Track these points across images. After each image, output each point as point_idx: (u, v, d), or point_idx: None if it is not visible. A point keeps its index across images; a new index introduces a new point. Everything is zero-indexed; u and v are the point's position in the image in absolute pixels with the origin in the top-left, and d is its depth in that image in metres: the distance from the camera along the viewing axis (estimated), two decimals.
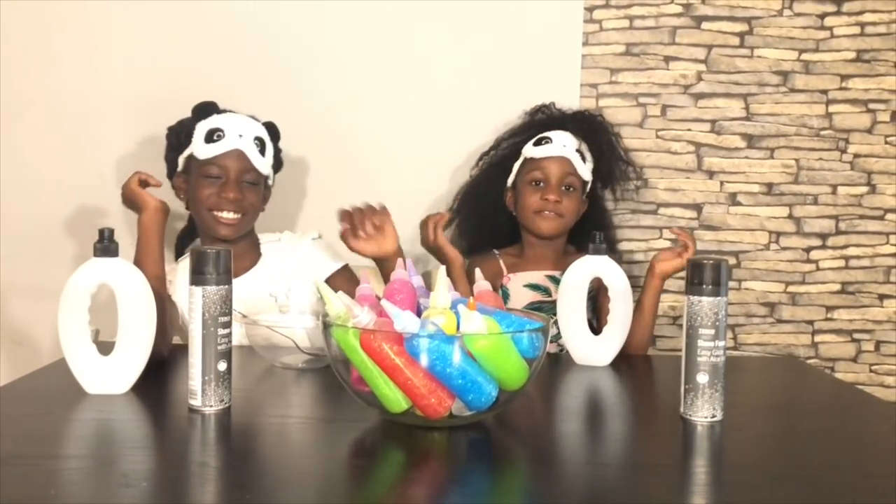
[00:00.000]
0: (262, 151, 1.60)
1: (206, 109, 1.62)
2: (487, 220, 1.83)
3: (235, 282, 1.57)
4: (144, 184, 1.47)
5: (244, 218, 1.58)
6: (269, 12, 1.94)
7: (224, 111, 1.64)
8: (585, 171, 1.73)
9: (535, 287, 1.72)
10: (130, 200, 1.47)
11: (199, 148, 1.57)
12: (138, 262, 1.37)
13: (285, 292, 1.59)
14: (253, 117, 1.65)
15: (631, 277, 1.90)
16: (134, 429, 1.09)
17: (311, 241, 1.67)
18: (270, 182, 1.68)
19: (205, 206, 1.57)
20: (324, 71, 1.95)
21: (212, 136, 1.56)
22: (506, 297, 1.72)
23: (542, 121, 1.85)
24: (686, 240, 1.55)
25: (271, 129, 1.66)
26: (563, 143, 1.72)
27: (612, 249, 1.84)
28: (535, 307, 1.68)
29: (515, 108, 1.92)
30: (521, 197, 1.74)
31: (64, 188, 1.94)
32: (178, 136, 1.64)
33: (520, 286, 1.72)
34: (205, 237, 1.63)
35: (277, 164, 1.70)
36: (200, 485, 0.89)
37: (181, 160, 1.63)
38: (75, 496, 0.84)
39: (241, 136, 1.57)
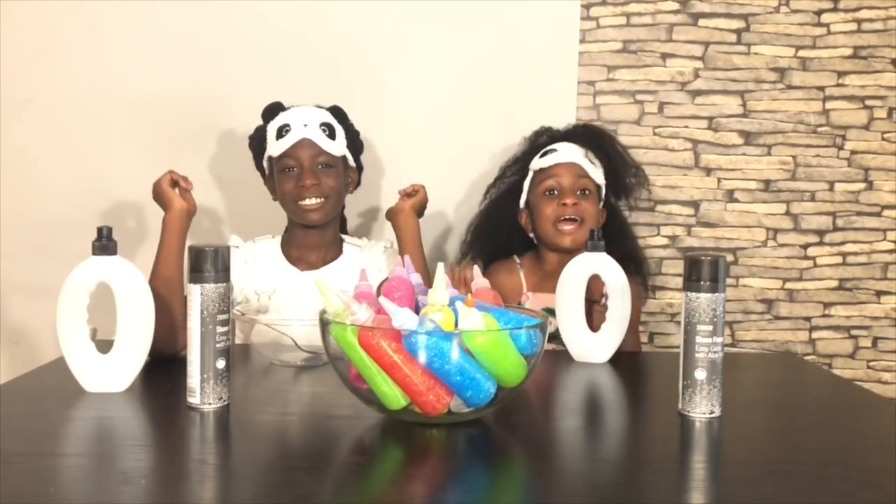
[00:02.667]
0: (332, 135, 1.64)
1: (273, 110, 1.67)
2: (501, 247, 1.78)
3: (313, 273, 1.63)
4: (175, 184, 1.51)
5: (328, 201, 1.63)
6: (267, 16, 1.93)
7: (289, 107, 1.67)
8: (598, 174, 1.71)
9: (552, 312, 1.67)
10: (159, 198, 1.50)
11: (272, 146, 1.64)
12: (159, 260, 1.44)
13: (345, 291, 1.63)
14: (318, 106, 1.68)
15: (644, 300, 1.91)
16: (133, 427, 1.09)
17: (383, 248, 1.71)
18: (352, 163, 1.72)
19: (289, 199, 1.63)
20: (320, 75, 1.94)
21: (281, 133, 1.62)
22: None
23: (545, 142, 1.80)
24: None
25: (337, 112, 1.69)
26: (569, 151, 1.71)
27: (636, 261, 1.78)
28: (552, 335, 1.61)
29: (514, 108, 1.92)
30: (538, 210, 1.70)
31: (62, 186, 1.94)
32: (259, 142, 1.69)
33: (538, 308, 1.68)
34: (294, 230, 1.68)
35: (356, 146, 1.73)
36: (199, 482, 0.89)
37: (265, 164, 1.69)
38: (74, 493, 0.85)
39: (305, 125, 1.62)
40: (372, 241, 1.75)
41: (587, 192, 1.69)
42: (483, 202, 1.88)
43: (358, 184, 1.76)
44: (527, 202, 1.76)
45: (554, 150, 1.72)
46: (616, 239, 1.69)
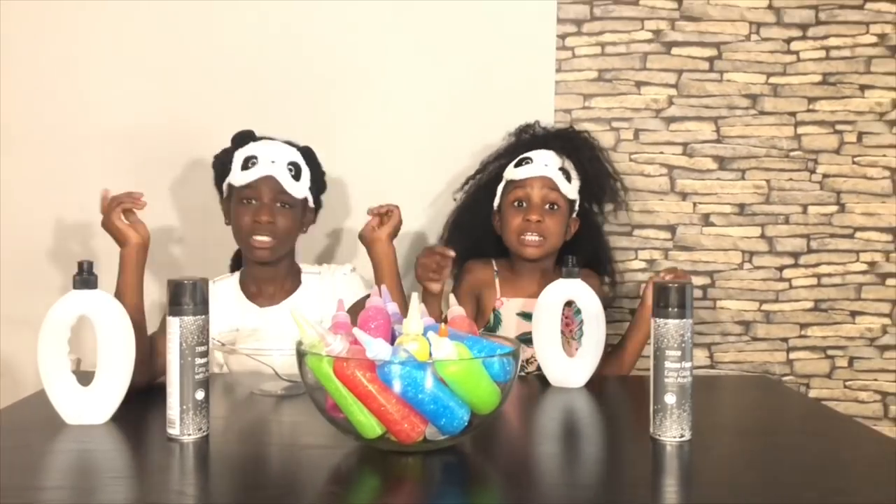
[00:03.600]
0: (297, 176, 1.64)
1: (243, 138, 1.67)
2: (477, 244, 1.82)
3: (273, 308, 1.63)
4: (129, 211, 1.47)
5: (278, 241, 1.62)
6: (247, 47, 1.96)
7: (261, 138, 1.68)
8: (570, 189, 1.72)
9: (527, 317, 1.70)
10: (111, 233, 1.47)
11: (235, 175, 1.63)
12: (118, 294, 1.40)
13: (318, 321, 1.61)
14: (290, 143, 1.69)
15: (611, 298, 1.95)
16: (113, 458, 1.10)
17: (343, 274, 1.71)
18: (312, 204, 1.71)
19: (242, 231, 1.62)
20: (299, 98, 1.97)
21: (247, 164, 1.62)
22: (497, 321, 1.72)
23: (527, 141, 1.84)
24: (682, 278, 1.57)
25: (307, 153, 1.70)
26: (544, 163, 1.71)
27: (605, 270, 1.86)
28: (526, 339, 1.58)
29: (492, 135, 1.94)
30: (505, 219, 1.73)
31: (46, 219, 1.95)
32: (222, 163, 1.69)
33: (512, 314, 1.72)
34: (249, 264, 1.68)
35: (319, 187, 1.74)
36: None
37: (224, 187, 1.69)
38: None
39: (273, 161, 1.62)
40: (332, 265, 1.75)
41: (556, 206, 1.71)
42: (460, 192, 1.90)
43: (313, 222, 1.76)
44: (499, 206, 1.78)
45: (529, 161, 1.72)
46: (587, 244, 1.73)
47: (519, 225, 1.70)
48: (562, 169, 1.72)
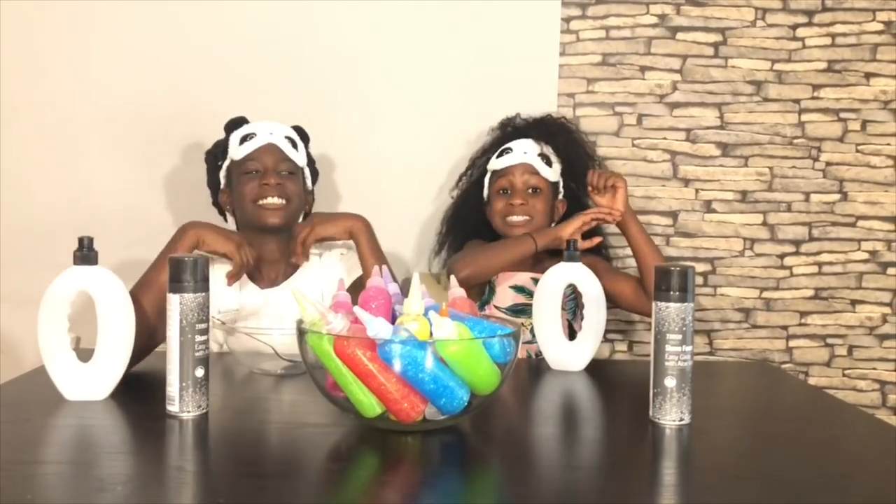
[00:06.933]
0: (295, 147, 1.67)
1: (236, 123, 1.69)
2: (473, 237, 1.86)
3: (274, 290, 1.62)
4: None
5: (289, 205, 1.63)
6: (253, 27, 1.95)
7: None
8: (550, 172, 1.79)
9: (519, 289, 1.76)
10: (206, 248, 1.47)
11: (234, 151, 1.65)
12: (155, 270, 1.42)
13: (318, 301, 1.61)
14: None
15: None
16: (112, 434, 1.10)
17: (341, 254, 1.72)
18: (309, 186, 1.73)
19: (249, 200, 1.62)
20: (300, 81, 1.97)
21: (244, 139, 1.64)
22: (491, 292, 1.77)
23: (509, 133, 1.90)
24: (614, 181, 1.66)
25: (300, 131, 1.73)
26: (523, 150, 1.78)
27: (597, 251, 1.86)
28: (518, 309, 1.74)
29: (495, 119, 1.94)
30: (492, 207, 1.81)
31: (47, 197, 1.95)
32: (216, 155, 1.71)
33: (505, 286, 1.76)
34: (252, 242, 1.57)
35: (313, 170, 1.75)
36: (177, 488, 0.90)
37: (222, 175, 1.70)
38: (51, 500, 0.86)
39: (271, 133, 1.64)
40: (330, 248, 1.74)
41: (538, 190, 1.78)
42: (454, 190, 1.94)
43: (312, 202, 1.76)
44: (487, 197, 1.84)
45: (509, 151, 1.79)
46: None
47: (503, 208, 1.77)
48: (541, 154, 1.79)
